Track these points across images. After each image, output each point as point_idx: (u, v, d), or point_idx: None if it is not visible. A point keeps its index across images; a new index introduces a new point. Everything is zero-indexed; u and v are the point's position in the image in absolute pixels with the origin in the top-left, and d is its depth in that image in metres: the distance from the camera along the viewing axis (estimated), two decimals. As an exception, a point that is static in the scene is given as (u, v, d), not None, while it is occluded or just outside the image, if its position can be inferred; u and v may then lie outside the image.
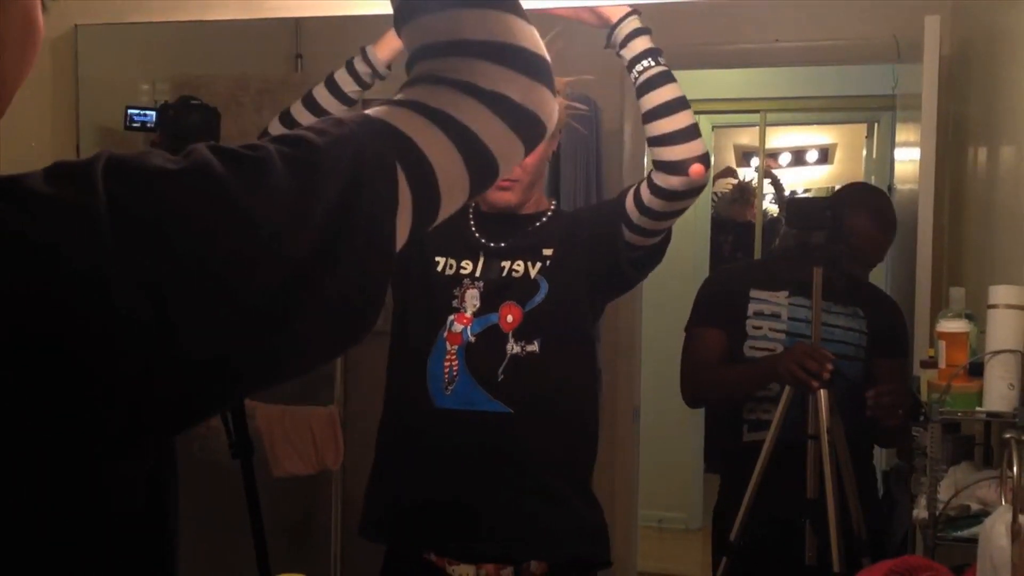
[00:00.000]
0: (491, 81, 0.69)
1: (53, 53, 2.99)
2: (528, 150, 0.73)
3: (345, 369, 3.16)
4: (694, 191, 1.78)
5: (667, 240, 1.89)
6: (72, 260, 0.53)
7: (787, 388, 2.17)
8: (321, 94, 1.93)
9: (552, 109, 0.73)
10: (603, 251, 1.86)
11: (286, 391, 3.24)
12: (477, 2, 0.72)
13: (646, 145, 1.81)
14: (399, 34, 0.75)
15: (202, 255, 0.56)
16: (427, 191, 0.67)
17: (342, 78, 1.93)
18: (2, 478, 0.53)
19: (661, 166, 1.76)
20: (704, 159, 1.76)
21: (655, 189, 1.77)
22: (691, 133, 1.76)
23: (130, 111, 2.51)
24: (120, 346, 0.54)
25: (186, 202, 0.57)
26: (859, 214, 2.36)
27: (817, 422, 2.12)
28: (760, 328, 2.34)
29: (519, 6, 0.74)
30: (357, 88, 1.94)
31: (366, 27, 3.13)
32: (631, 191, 1.84)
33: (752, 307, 2.36)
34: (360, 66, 1.92)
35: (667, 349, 2.62)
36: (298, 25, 3.27)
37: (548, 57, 0.74)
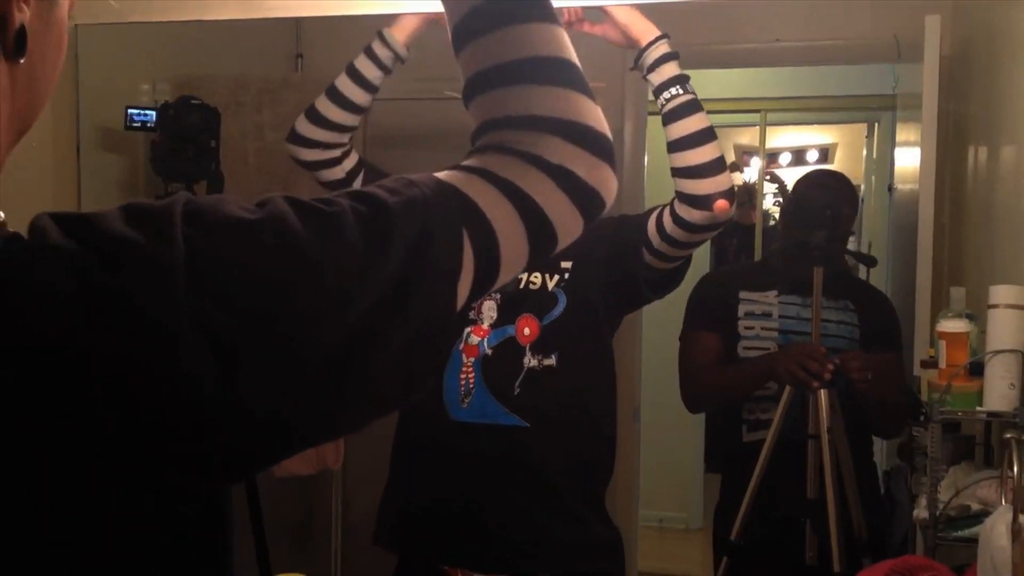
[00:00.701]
0: (559, 156, 0.71)
1: (53, 53, 2.99)
2: (586, 224, 0.75)
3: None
4: (717, 225, 1.76)
5: (687, 264, 1.88)
6: (144, 310, 0.54)
7: (787, 388, 2.17)
8: (344, 84, 1.91)
9: (613, 186, 0.75)
10: (622, 269, 1.84)
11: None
12: (549, 79, 0.74)
13: (671, 174, 1.77)
14: (467, 105, 0.77)
15: (272, 309, 0.57)
16: (489, 258, 0.68)
17: (363, 65, 1.90)
18: (59, 516, 0.54)
19: (685, 199, 1.74)
20: (729, 194, 1.73)
21: (677, 220, 1.76)
22: (717, 166, 1.74)
23: (130, 111, 2.51)
24: (183, 397, 0.54)
25: (260, 255, 0.58)
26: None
27: (817, 422, 2.12)
28: (752, 328, 2.34)
29: (587, 86, 0.76)
30: (379, 74, 1.91)
31: (366, 27, 3.13)
32: (654, 215, 1.82)
33: (742, 308, 2.35)
34: (380, 51, 1.89)
35: (667, 350, 2.62)
36: (298, 25, 3.27)
37: (611, 136, 0.76)
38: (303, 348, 0.58)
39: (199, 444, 0.56)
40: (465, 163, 0.72)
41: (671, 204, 1.78)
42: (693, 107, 1.75)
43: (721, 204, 1.72)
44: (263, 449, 0.60)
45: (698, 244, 1.82)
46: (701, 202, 1.72)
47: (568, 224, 0.73)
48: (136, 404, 0.53)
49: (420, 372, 0.65)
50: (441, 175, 0.69)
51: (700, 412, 2.77)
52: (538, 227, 0.71)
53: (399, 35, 1.88)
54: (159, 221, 0.56)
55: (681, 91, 1.75)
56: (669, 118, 1.76)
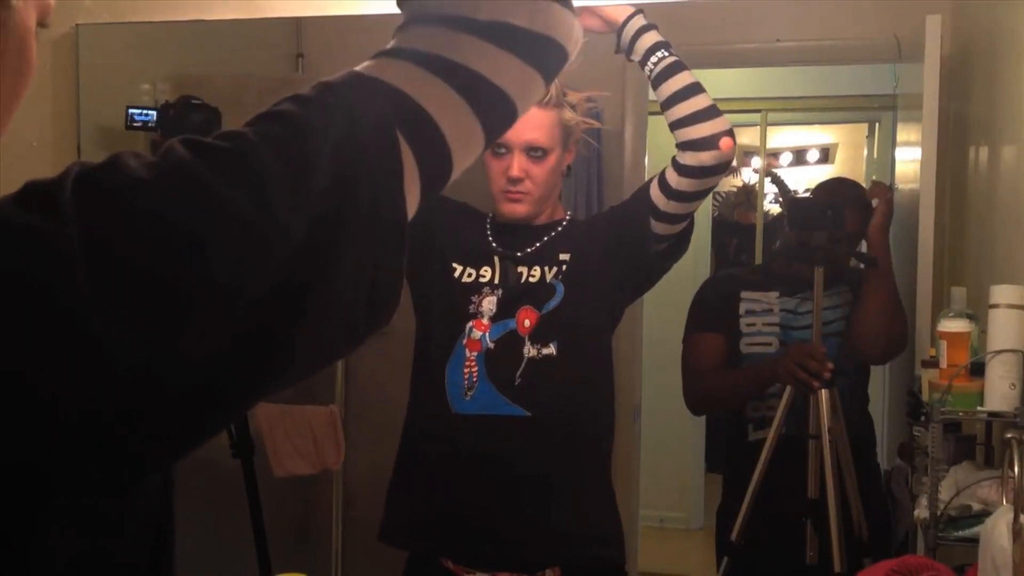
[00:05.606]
0: (489, 10, 0.61)
1: (54, 53, 2.99)
2: (548, 81, 0.65)
3: (346, 369, 3.16)
4: (724, 165, 1.80)
5: (691, 226, 1.91)
6: (41, 293, 0.48)
7: (787, 388, 2.17)
8: None
9: (570, 27, 0.65)
10: (629, 248, 1.87)
11: (286, 391, 3.24)
12: None
13: (670, 129, 1.82)
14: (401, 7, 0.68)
15: (187, 266, 0.51)
16: (433, 149, 0.60)
17: None
18: None
19: (690, 145, 1.77)
20: (731, 133, 1.78)
21: (684, 170, 1.78)
22: (714, 111, 1.79)
23: (131, 111, 2.51)
24: (98, 381, 0.49)
25: (163, 212, 0.52)
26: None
27: (818, 422, 2.12)
28: (754, 324, 2.34)
29: None
30: None
31: (367, 27, 3.12)
32: (653, 182, 1.85)
33: (743, 306, 2.36)
34: None
35: (668, 348, 2.62)
36: (298, 25, 3.27)
37: None
38: (232, 296, 0.52)
39: (122, 432, 0.50)
40: (387, 47, 0.64)
41: (672, 163, 1.81)
42: (679, 66, 1.80)
43: (726, 141, 1.77)
44: (201, 420, 0.54)
45: (705, 193, 1.84)
46: (707, 143, 1.76)
47: (522, 85, 0.63)
48: (42, 391, 0.48)
49: (383, 289, 0.59)
50: (361, 68, 0.62)
51: (702, 415, 2.77)
52: (484, 99, 0.62)
53: None
54: (48, 198, 0.51)
55: (665, 54, 1.80)
56: (658, 80, 1.80)
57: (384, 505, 1.94)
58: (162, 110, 2.53)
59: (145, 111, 2.52)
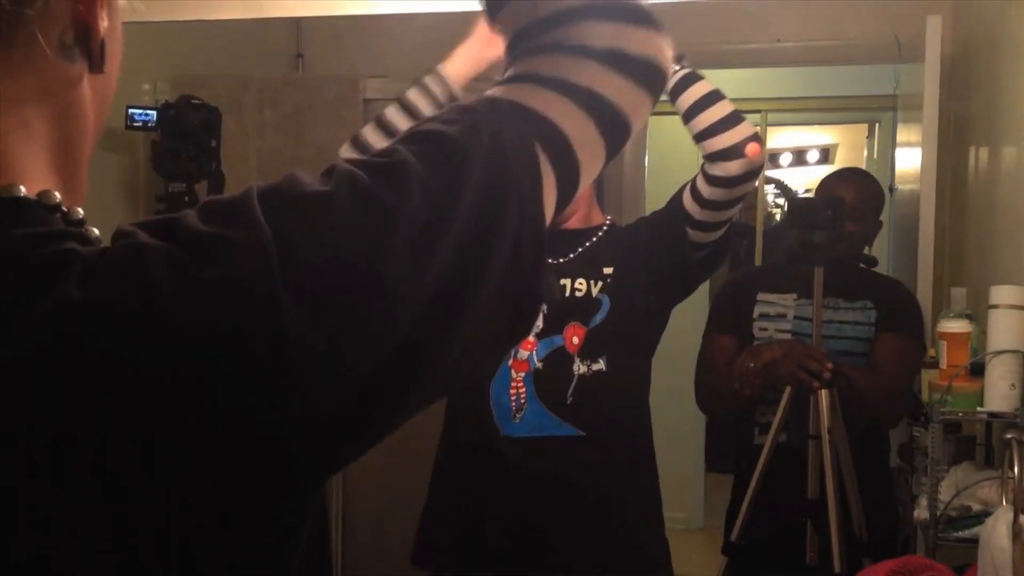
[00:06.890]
0: (602, 39, 0.68)
1: (54, 53, 2.98)
2: (654, 100, 0.71)
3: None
4: (754, 173, 1.75)
5: (731, 232, 1.86)
6: (251, 291, 0.52)
7: (788, 389, 2.17)
8: (394, 115, 1.83)
9: (668, 53, 0.71)
10: (668, 258, 1.83)
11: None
12: None
13: (694, 141, 1.78)
14: (493, 24, 0.73)
15: (362, 269, 0.55)
16: (567, 163, 0.65)
17: (416, 98, 1.82)
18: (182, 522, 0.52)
19: (716, 156, 1.73)
20: (757, 138, 1.73)
21: (714, 180, 1.74)
22: (737, 118, 1.74)
23: (131, 110, 2.51)
24: (298, 380, 0.53)
25: (340, 219, 0.56)
26: (849, 195, 2.32)
27: (818, 422, 2.12)
28: (766, 330, 2.33)
29: None
30: (433, 108, 1.87)
31: (366, 27, 3.12)
32: (686, 191, 1.81)
33: (758, 309, 2.35)
34: (434, 86, 1.81)
35: (668, 349, 2.61)
36: (298, 25, 3.27)
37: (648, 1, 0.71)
38: (400, 300, 0.56)
39: (314, 420, 0.54)
40: (509, 73, 0.68)
41: (701, 173, 1.77)
42: (695, 77, 1.76)
43: (753, 147, 1.72)
44: (380, 413, 0.58)
45: (739, 201, 1.79)
46: (733, 152, 1.71)
47: (635, 105, 0.69)
48: (249, 381, 0.52)
49: (525, 301, 0.63)
50: (491, 92, 0.67)
51: (712, 415, 2.76)
52: (606, 117, 0.67)
53: (454, 71, 1.79)
54: (239, 212, 0.55)
55: (677, 67, 1.75)
56: (675, 93, 1.76)
57: (418, 527, 1.92)
58: (162, 110, 2.53)
59: (145, 111, 2.52)
